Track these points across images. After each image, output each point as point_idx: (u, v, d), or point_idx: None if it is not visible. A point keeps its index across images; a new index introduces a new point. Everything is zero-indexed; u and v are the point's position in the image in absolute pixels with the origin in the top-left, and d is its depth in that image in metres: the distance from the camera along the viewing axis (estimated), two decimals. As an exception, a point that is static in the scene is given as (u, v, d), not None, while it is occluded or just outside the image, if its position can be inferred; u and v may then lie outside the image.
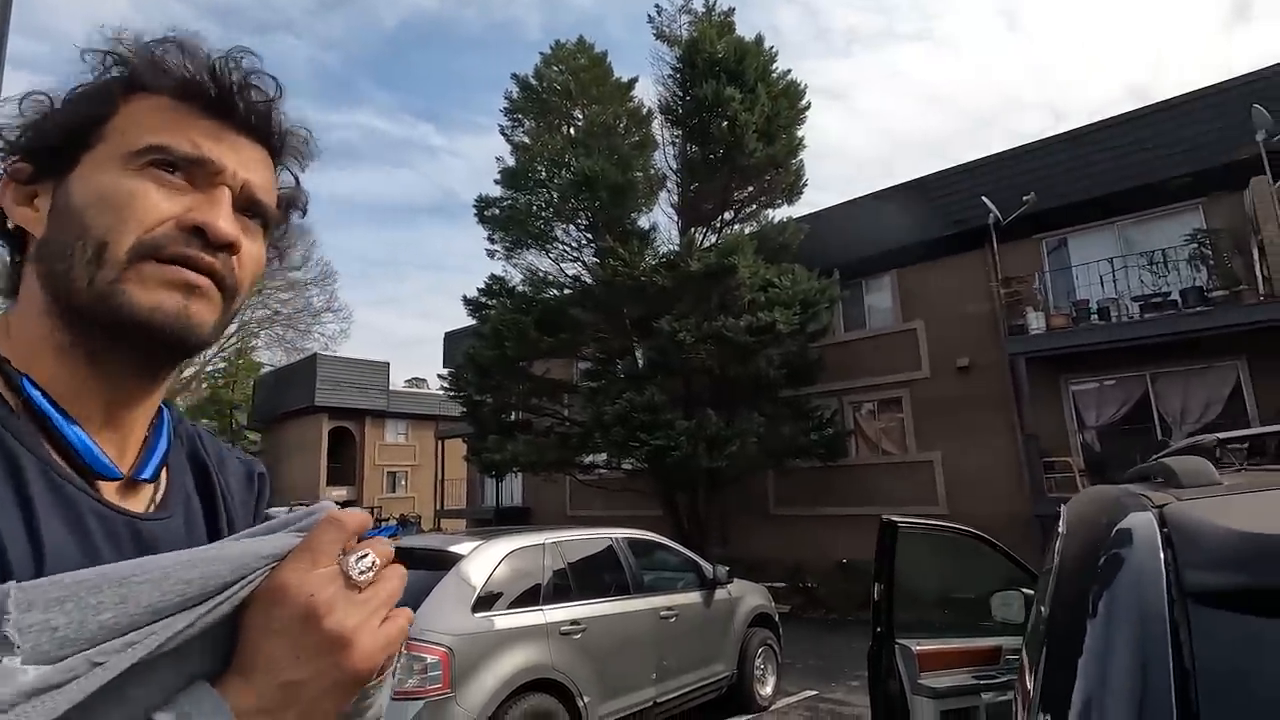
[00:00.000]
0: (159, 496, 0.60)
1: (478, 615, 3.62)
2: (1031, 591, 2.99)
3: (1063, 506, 1.29)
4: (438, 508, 21.41)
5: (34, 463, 0.49)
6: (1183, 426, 10.52)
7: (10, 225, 0.57)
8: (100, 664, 0.38)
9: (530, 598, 3.95)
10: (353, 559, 0.48)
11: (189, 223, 0.54)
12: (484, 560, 3.84)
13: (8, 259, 0.59)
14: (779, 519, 14.24)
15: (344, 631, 0.45)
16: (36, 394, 0.52)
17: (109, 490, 0.55)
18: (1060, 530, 0.98)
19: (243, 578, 0.45)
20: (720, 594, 5.42)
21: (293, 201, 0.68)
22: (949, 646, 2.68)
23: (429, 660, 3.30)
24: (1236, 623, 0.54)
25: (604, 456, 14.27)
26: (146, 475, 0.58)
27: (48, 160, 0.56)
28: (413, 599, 3.53)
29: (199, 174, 0.56)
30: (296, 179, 0.67)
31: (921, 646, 2.61)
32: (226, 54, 0.58)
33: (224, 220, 0.55)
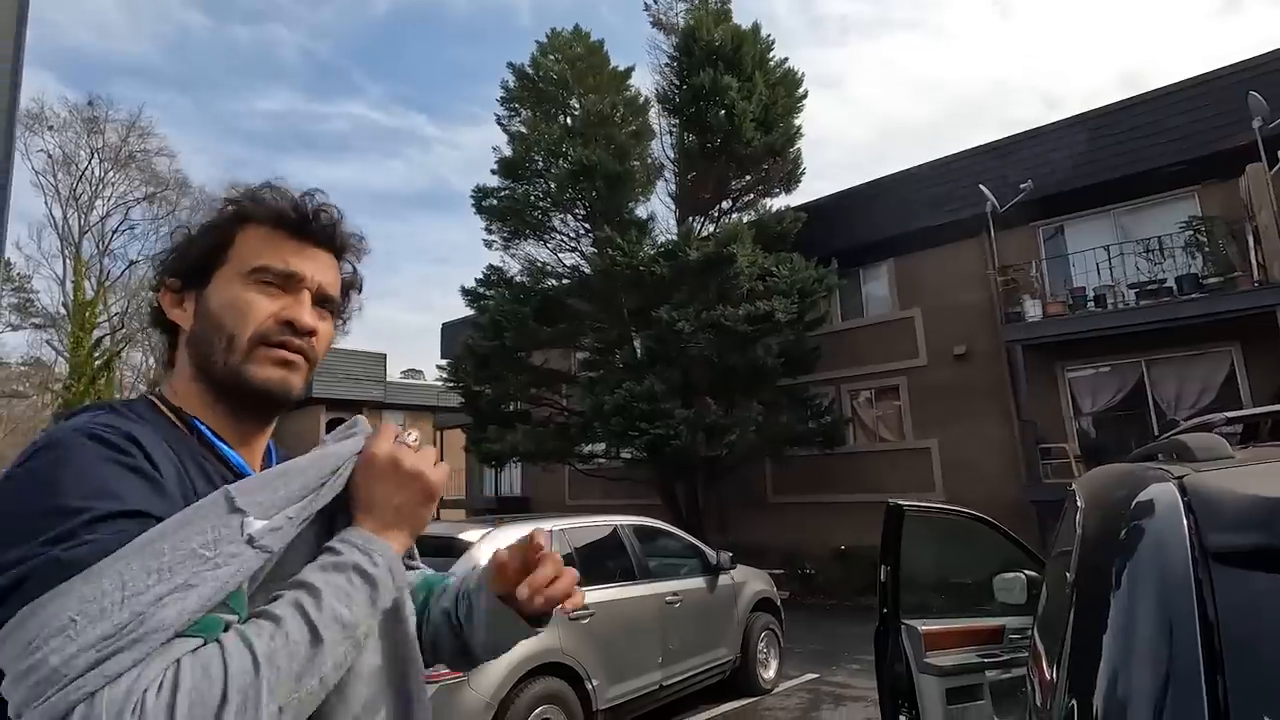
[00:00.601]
0: None
1: (488, 601, 3.67)
2: (1033, 574, 3.05)
3: (1074, 486, 1.33)
4: (437, 498, 21.40)
5: (215, 469, 0.78)
6: (1177, 412, 10.62)
7: (167, 320, 0.86)
8: (291, 516, 0.69)
9: (539, 584, 4.01)
10: (406, 435, 0.81)
11: (284, 319, 0.82)
12: (493, 547, 3.89)
13: (167, 342, 0.89)
14: (777, 507, 14.35)
15: (418, 467, 0.78)
16: (206, 430, 0.81)
17: None
18: (1079, 506, 1.02)
19: (342, 463, 0.76)
20: (724, 579, 5.49)
21: (352, 283, 0.95)
22: (954, 626, 2.74)
23: (441, 645, 3.36)
24: (1257, 580, 0.58)
25: (603, 446, 14.34)
26: None
27: (191, 276, 0.84)
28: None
29: (289, 282, 0.83)
30: (354, 268, 0.95)
31: (928, 626, 2.67)
32: (304, 193, 0.86)
33: (307, 315, 0.83)
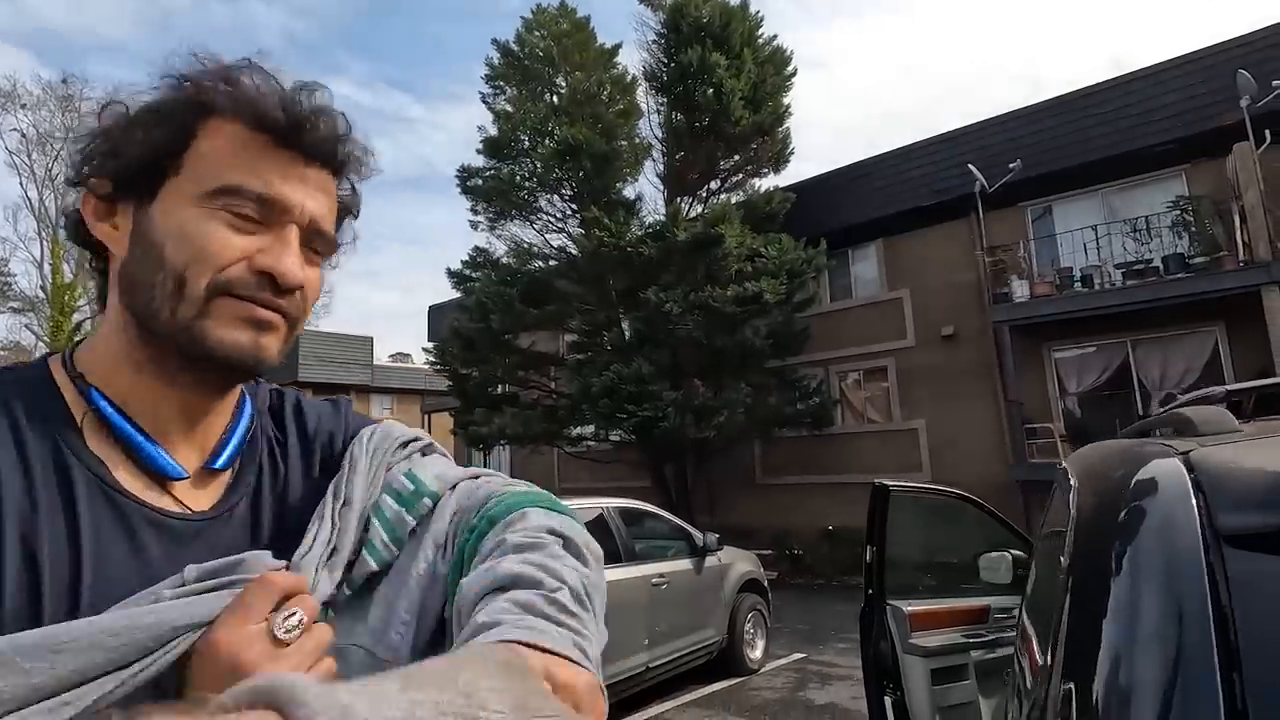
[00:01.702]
0: (225, 488, 0.64)
1: (470, 585, 3.62)
2: (1018, 553, 3.03)
3: (1064, 464, 1.28)
4: (425, 482, 21.36)
5: (87, 480, 0.54)
6: (1161, 392, 10.71)
7: (90, 236, 0.61)
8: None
9: (522, 567, 3.95)
10: (280, 617, 0.50)
11: (261, 266, 0.58)
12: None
13: (92, 266, 0.63)
14: (765, 488, 14.40)
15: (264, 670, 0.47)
16: (105, 406, 0.58)
17: (182, 487, 0.61)
18: (1072, 485, 0.96)
19: (163, 645, 0.47)
20: (710, 561, 5.46)
21: (349, 206, 0.71)
22: (939, 607, 2.72)
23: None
24: (1274, 563, 0.53)
25: (591, 429, 14.31)
26: (219, 465, 0.63)
27: (128, 181, 0.59)
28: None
29: (269, 212, 0.59)
30: (353, 186, 0.70)
31: (913, 607, 2.64)
32: (300, 86, 0.61)
33: (291, 263, 0.59)
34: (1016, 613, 2.11)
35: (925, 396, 12.81)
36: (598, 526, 4.69)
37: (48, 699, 0.43)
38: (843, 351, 13.77)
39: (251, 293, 0.58)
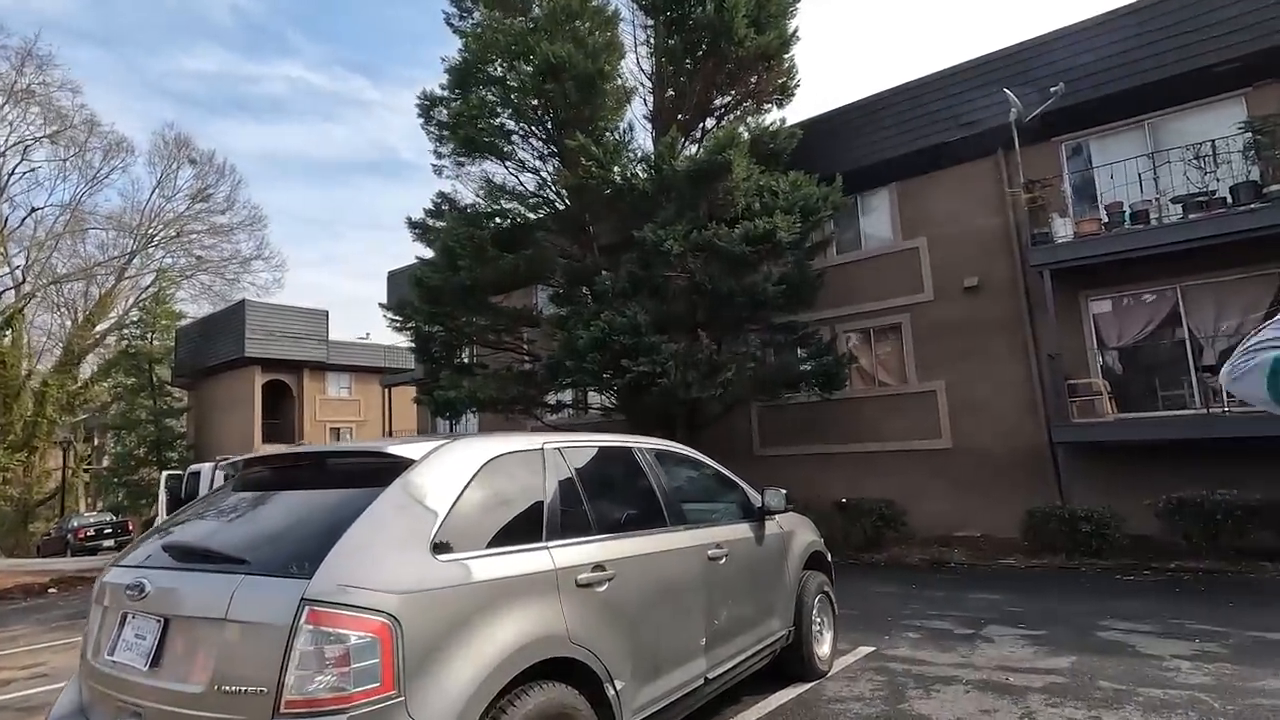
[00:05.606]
0: None
1: (442, 559, 2.08)
2: None
3: None
4: (386, 462, 19.59)
5: None
6: (1215, 342, 9.62)
7: None
8: None
9: (527, 530, 2.42)
10: None
11: None
12: (449, 470, 2.29)
13: None
14: (765, 459, 13.07)
15: None
16: None
17: None
18: None
19: None
20: (771, 527, 4.02)
21: None
22: None
23: (354, 640, 1.77)
24: None
25: (570, 395, 12.81)
26: None
27: None
28: (322, 535, 1.98)
29: None
30: None
31: None
32: None
33: None
34: None
35: (945, 355, 11.58)
36: (630, 473, 3.19)
37: None
38: (850, 308, 12.45)
39: None
